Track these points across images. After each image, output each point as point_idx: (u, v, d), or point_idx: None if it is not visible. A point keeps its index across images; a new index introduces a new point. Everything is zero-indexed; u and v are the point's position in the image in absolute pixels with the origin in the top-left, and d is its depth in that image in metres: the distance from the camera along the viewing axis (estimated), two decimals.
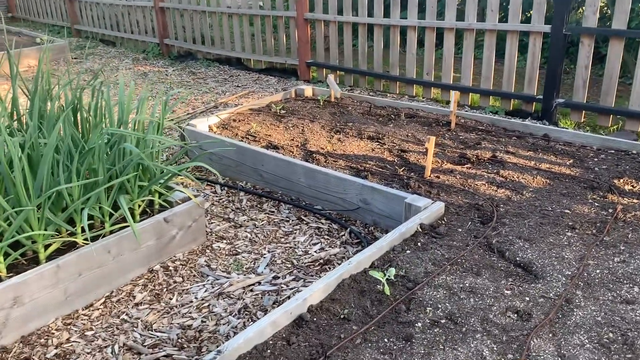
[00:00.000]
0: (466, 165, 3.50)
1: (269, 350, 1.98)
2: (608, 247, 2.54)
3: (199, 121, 4.27)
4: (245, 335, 1.99)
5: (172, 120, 5.28)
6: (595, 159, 3.52)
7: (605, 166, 3.39)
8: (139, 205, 2.89)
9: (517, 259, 2.48)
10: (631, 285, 2.26)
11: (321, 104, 4.88)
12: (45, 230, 2.46)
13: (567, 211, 2.88)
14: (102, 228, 2.73)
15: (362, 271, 2.43)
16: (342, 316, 2.17)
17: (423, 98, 5.79)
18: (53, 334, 2.40)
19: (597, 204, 2.95)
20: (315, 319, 2.15)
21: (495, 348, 1.95)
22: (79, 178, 2.57)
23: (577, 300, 2.19)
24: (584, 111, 4.75)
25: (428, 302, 2.20)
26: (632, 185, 3.12)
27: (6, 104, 2.99)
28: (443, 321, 2.10)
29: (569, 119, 4.90)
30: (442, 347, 1.96)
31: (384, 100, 4.87)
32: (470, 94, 5.46)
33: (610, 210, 2.87)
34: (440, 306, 2.17)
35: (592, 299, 2.19)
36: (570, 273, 2.36)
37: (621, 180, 3.17)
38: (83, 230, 2.68)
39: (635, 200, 2.96)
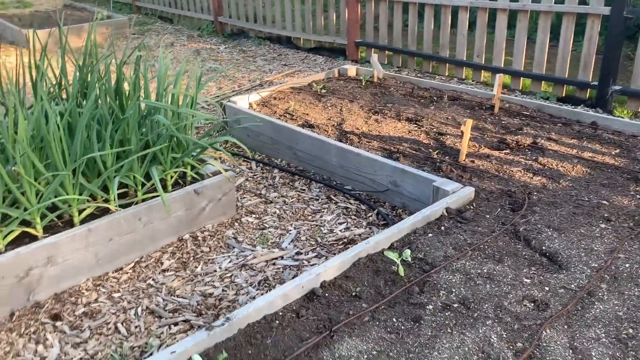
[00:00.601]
0: (504, 151, 3.39)
1: (277, 321, 2.02)
2: None
3: (240, 98, 4.33)
4: (255, 305, 2.03)
5: (217, 96, 5.39)
6: None
7: None
8: (171, 177, 2.98)
9: (543, 248, 2.40)
10: None
11: (363, 84, 4.84)
12: (80, 195, 2.59)
13: (604, 202, 2.75)
14: (135, 197, 2.84)
15: (380, 251, 2.42)
16: (353, 294, 2.18)
17: (472, 81, 5.63)
18: (83, 293, 2.54)
19: (639, 197, 2.79)
20: (327, 295, 2.17)
21: (504, 335, 1.90)
22: (112, 147, 2.67)
23: (600, 294, 2.10)
24: None
25: (442, 286, 2.17)
26: None
27: (55, 74, 3.14)
28: (455, 305, 2.07)
29: (625, 107, 4.64)
30: (450, 331, 1.93)
31: (428, 82, 4.77)
32: (522, 78, 5.25)
33: None
34: (454, 290, 2.14)
35: (617, 293, 2.10)
36: (597, 265, 2.26)
37: None
38: (117, 197, 2.79)
39: None
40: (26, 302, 2.43)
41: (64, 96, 3.29)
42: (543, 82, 5.10)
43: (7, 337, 2.28)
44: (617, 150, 3.32)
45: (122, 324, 2.35)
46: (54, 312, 2.41)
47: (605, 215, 2.63)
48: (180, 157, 2.86)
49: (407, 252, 2.27)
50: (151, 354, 2.15)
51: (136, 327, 2.34)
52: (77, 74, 2.92)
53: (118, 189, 2.86)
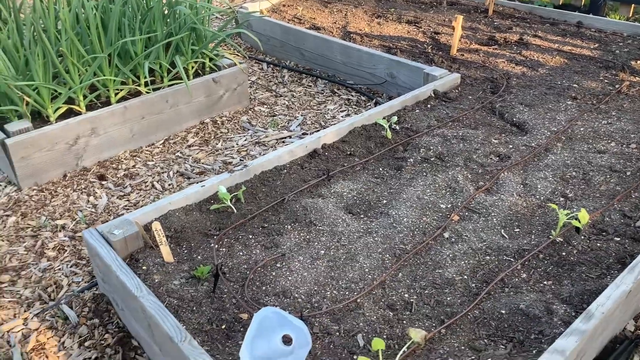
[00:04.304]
0: (493, 46, 3.72)
1: (285, 170, 2.46)
2: (600, 113, 2.79)
3: (251, 4, 4.63)
4: (267, 157, 2.47)
5: (229, 7, 5.66)
6: (621, 44, 3.63)
7: (627, 49, 3.52)
8: (192, 67, 3.37)
9: (514, 119, 2.79)
10: (608, 141, 2.54)
11: None
12: (115, 77, 3.00)
13: (574, 85, 3.11)
14: (162, 83, 3.24)
15: (373, 123, 2.83)
16: (348, 152, 2.61)
17: None
18: (122, 161, 3.01)
19: (606, 81, 3.14)
20: (326, 154, 2.60)
21: (469, 176, 2.34)
22: (141, 36, 3.05)
23: (554, 149, 2.51)
24: (633, 5, 4.70)
25: (423, 145, 2.59)
26: None
27: None
28: (432, 159, 2.49)
29: (617, 14, 4.86)
30: (425, 175, 2.37)
31: None
32: None
33: (617, 86, 3.06)
34: (432, 148, 2.56)
35: (569, 149, 2.50)
36: (556, 130, 2.65)
37: (638, 62, 3.31)
38: (147, 84, 3.20)
39: None
40: (75, 167, 2.90)
41: None
42: None
43: (63, 191, 2.76)
44: (596, 45, 3.63)
45: (158, 183, 2.83)
46: (99, 174, 2.88)
47: (573, 94, 2.99)
48: (200, 48, 3.24)
49: (394, 118, 2.68)
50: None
51: (169, 184, 2.82)
52: None
53: (146, 77, 3.26)
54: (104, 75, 2.94)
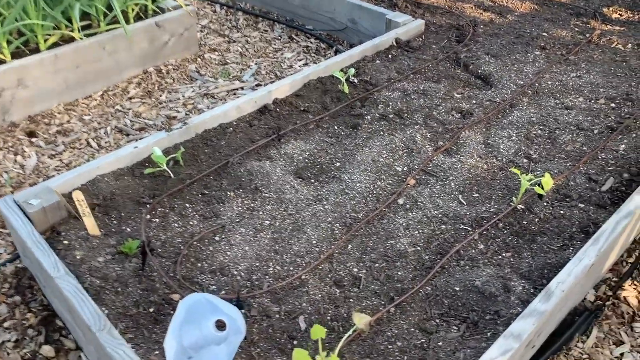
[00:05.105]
0: None
1: (231, 128, 2.25)
2: (569, 65, 2.63)
3: None
4: (211, 113, 2.25)
5: None
6: None
7: None
8: (133, 10, 3.05)
9: (479, 71, 2.61)
10: (577, 96, 2.39)
11: None
12: (43, 22, 2.68)
13: (544, 34, 2.93)
14: (98, 28, 2.93)
15: (330, 75, 2.61)
16: (302, 108, 2.40)
17: None
18: (55, 116, 2.73)
19: (577, 29, 2.97)
20: (278, 110, 2.39)
21: (428, 135, 2.17)
22: None
23: (520, 105, 2.35)
24: None
25: (381, 101, 2.40)
26: (619, 14, 3.10)
27: None
28: (391, 116, 2.31)
29: None
30: (382, 134, 2.19)
31: None
32: None
33: (587, 35, 2.90)
34: (391, 104, 2.37)
35: (535, 104, 2.35)
36: (522, 83, 2.49)
37: (610, 9, 3.14)
38: (80, 29, 2.88)
39: (616, 27, 2.96)
40: (2, 122, 2.62)
41: None
42: None
43: None
44: None
45: (94, 140, 2.58)
46: (29, 130, 2.61)
47: (542, 44, 2.82)
48: None
49: (352, 70, 2.47)
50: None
51: (106, 142, 2.58)
52: None
53: (81, 21, 2.94)
54: (30, 19, 2.62)
